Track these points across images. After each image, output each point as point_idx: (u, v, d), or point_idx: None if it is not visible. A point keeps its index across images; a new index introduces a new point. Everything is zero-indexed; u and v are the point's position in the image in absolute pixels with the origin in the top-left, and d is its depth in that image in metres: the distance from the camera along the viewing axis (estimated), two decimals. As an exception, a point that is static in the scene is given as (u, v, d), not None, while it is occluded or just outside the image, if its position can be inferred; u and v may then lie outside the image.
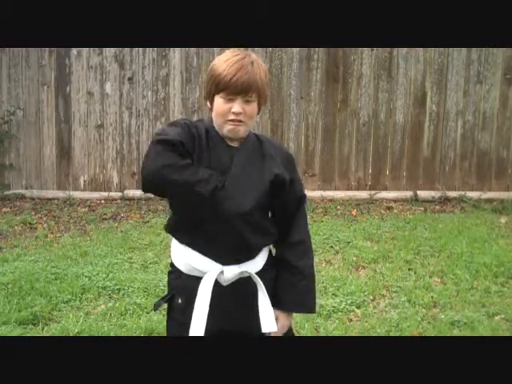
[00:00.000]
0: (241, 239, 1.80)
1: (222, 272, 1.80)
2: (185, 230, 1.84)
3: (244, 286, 1.83)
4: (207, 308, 1.76)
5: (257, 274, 1.84)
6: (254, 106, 1.77)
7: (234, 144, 1.82)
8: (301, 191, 1.94)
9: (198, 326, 1.75)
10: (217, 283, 1.79)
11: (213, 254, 1.80)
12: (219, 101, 1.76)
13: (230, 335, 1.81)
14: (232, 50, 1.76)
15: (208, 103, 1.82)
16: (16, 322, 3.43)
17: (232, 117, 1.75)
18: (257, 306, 1.83)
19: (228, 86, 1.72)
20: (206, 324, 1.76)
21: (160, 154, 1.68)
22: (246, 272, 1.82)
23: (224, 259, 1.80)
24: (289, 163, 1.90)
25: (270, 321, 1.82)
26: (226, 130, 1.78)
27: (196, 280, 1.80)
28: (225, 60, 1.74)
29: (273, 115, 6.34)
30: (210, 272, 1.79)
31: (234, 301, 1.82)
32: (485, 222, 5.50)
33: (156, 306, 1.98)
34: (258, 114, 1.83)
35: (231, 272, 1.80)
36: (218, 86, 1.74)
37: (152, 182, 1.72)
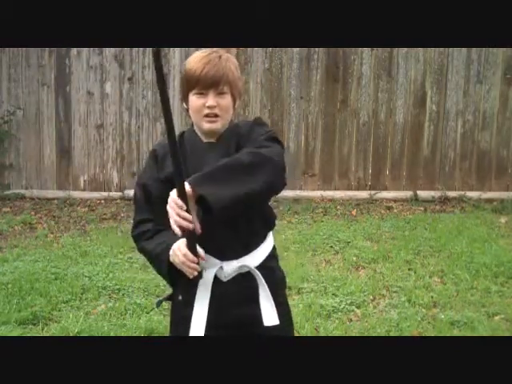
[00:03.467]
0: (235, 233, 1.80)
1: (221, 267, 1.80)
2: None
3: (244, 280, 1.82)
4: (207, 307, 1.76)
5: (259, 268, 1.84)
6: (227, 99, 1.78)
7: (216, 140, 1.83)
8: (263, 134, 1.79)
9: (198, 326, 1.75)
10: (216, 279, 1.80)
11: (211, 250, 1.80)
12: (193, 98, 1.77)
13: (231, 330, 1.81)
14: (202, 50, 1.78)
15: (184, 104, 1.83)
16: (16, 322, 3.43)
17: (207, 111, 1.76)
18: (258, 300, 1.83)
19: (198, 81, 1.74)
20: (207, 320, 1.76)
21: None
22: (246, 266, 1.82)
23: (222, 254, 1.80)
24: (252, 130, 1.80)
25: (271, 314, 1.82)
26: (204, 126, 1.78)
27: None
28: (193, 58, 1.77)
29: (273, 115, 6.34)
30: (208, 269, 1.79)
31: (234, 296, 1.82)
32: (485, 222, 5.50)
33: (157, 304, 1.99)
34: (234, 108, 1.82)
35: (230, 267, 1.80)
36: (190, 83, 1.76)
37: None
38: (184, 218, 1.56)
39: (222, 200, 1.56)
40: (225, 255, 1.80)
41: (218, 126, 1.79)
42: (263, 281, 1.82)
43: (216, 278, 1.80)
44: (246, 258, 1.82)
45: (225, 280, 1.81)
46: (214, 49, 1.78)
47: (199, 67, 1.74)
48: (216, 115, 1.77)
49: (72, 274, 4.17)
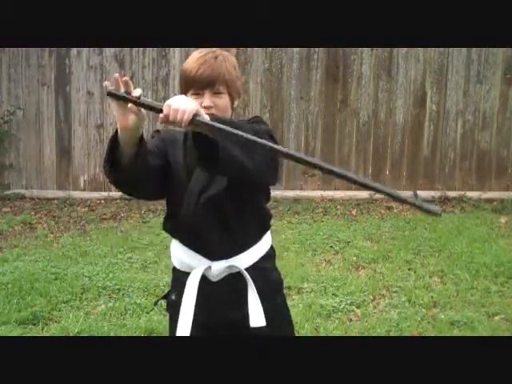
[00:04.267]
0: (226, 233, 1.79)
1: (209, 267, 1.79)
2: (175, 225, 1.84)
3: (234, 281, 1.81)
4: (193, 308, 1.76)
5: (252, 269, 1.83)
6: (225, 99, 1.77)
7: None
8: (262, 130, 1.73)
9: (184, 326, 1.75)
10: (207, 279, 1.80)
11: (201, 250, 1.80)
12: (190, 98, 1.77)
13: (221, 331, 1.81)
14: (199, 49, 1.78)
15: None
16: (16, 322, 3.43)
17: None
18: (246, 302, 1.81)
19: (194, 81, 1.74)
20: (198, 320, 1.76)
21: None
22: (235, 267, 1.81)
23: (212, 254, 1.79)
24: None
25: (258, 316, 1.81)
26: None
27: (187, 275, 1.81)
28: (190, 58, 1.78)
29: (273, 115, 6.34)
30: (196, 268, 1.79)
31: (224, 296, 1.82)
32: (485, 222, 5.50)
33: (155, 303, 2.00)
34: (232, 107, 1.81)
35: (218, 267, 1.80)
36: (186, 84, 1.76)
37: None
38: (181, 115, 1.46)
39: (230, 159, 1.51)
40: (214, 255, 1.79)
41: None
42: (251, 282, 1.81)
43: (207, 278, 1.80)
44: (235, 258, 1.81)
45: (214, 280, 1.81)
46: (213, 49, 1.78)
47: (194, 68, 1.74)
48: (212, 114, 1.76)
49: (72, 274, 4.17)
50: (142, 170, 1.66)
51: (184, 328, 1.75)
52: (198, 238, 1.79)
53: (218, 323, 1.82)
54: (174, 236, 1.87)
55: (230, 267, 1.80)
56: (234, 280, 1.81)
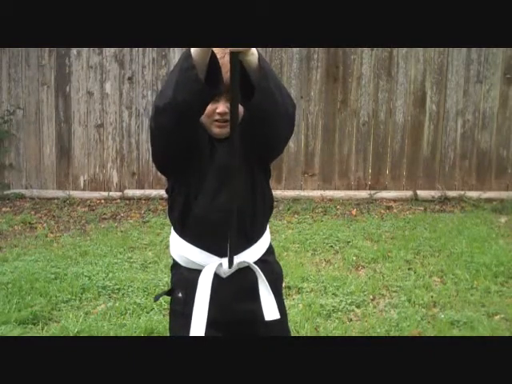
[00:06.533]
0: (237, 231, 1.79)
1: (220, 264, 1.79)
2: (182, 221, 1.83)
3: (244, 276, 1.82)
4: (207, 307, 1.75)
5: (257, 263, 1.83)
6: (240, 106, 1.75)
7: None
8: None
9: (198, 327, 1.75)
10: (216, 275, 1.79)
11: (211, 248, 1.79)
12: None
13: (232, 327, 1.81)
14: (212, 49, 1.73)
15: None
16: (16, 321, 3.43)
17: (217, 117, 1.74)
18: (258, 295, 1.82)
19: None
20: (208, 317, 1.75)
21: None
22: (245, 262, 1.81)
23: (222, 251, 1.78)
24: None
25: (272, 309, 1.82)
26: (214, 131, 1.77)
27: (194, 272, 1.80)
28: None
29: (273, 115, 6.33)
30: (208, 266, 1.78)
31: (234, 292, 1.82)
32: (485, 222, 5.51)
33: (156, 297, 1.99)
34: (244, 111, 1.78)
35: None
36: None
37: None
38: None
39: (266, 90, 1.61)
40: (224, 252, 1.79)
41: (228, 130, 1.77)
42: (263, 275, 1.82)
43: (215, 274, 1.79)
44: (244, 253, 1.82)
45: (224, 276, 1.81)
46: (226, 49, 1.69)
47: None
48: (226, 120, 1.73)
49: (72, 274, 4.17)
50: (201, 101, 1.63)
51: (198, 328, 1.73)
52: (211, 236, 1.78)
53: (229, 319, 1.81)
54: (182, 235, 1.85)
55: (240, 262, 1.80)
56: (243, 275, 1.82)
